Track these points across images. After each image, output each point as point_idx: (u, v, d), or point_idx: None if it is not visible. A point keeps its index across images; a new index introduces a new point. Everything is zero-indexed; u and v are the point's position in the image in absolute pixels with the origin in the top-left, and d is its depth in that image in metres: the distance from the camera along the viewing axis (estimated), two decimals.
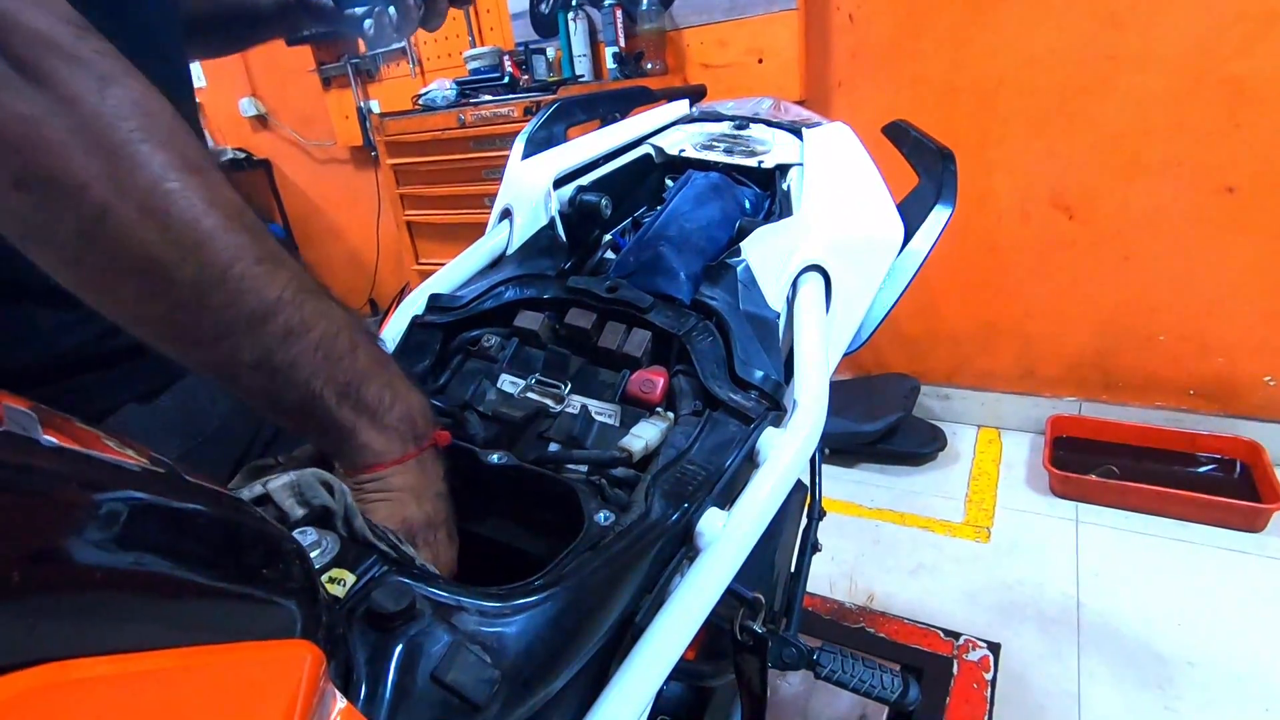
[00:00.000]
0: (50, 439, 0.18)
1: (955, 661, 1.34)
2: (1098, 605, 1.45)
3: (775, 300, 0.58)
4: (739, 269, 0.58)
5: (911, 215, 0.68)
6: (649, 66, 1.96)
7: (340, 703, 0.24)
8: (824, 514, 0.99)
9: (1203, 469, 1.76)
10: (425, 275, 0.65)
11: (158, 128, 0.32)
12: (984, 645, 1.37)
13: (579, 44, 2.00)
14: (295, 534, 0.33)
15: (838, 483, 1.93)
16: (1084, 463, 1.78)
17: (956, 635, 1.40)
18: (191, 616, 0.20)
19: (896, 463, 1.98)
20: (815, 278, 0.59)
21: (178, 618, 0.19)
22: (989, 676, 1.31)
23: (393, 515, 0.39)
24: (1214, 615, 1.39)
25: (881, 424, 1.91)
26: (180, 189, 0.32)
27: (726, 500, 0.46)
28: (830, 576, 1.60)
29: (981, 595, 1.52)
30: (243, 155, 3.07)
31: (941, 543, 1.69)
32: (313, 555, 0.32)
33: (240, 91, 3.00)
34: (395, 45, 2.48)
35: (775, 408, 0.50)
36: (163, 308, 0.34)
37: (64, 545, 0.17)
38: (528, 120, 0.83)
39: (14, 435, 0.17)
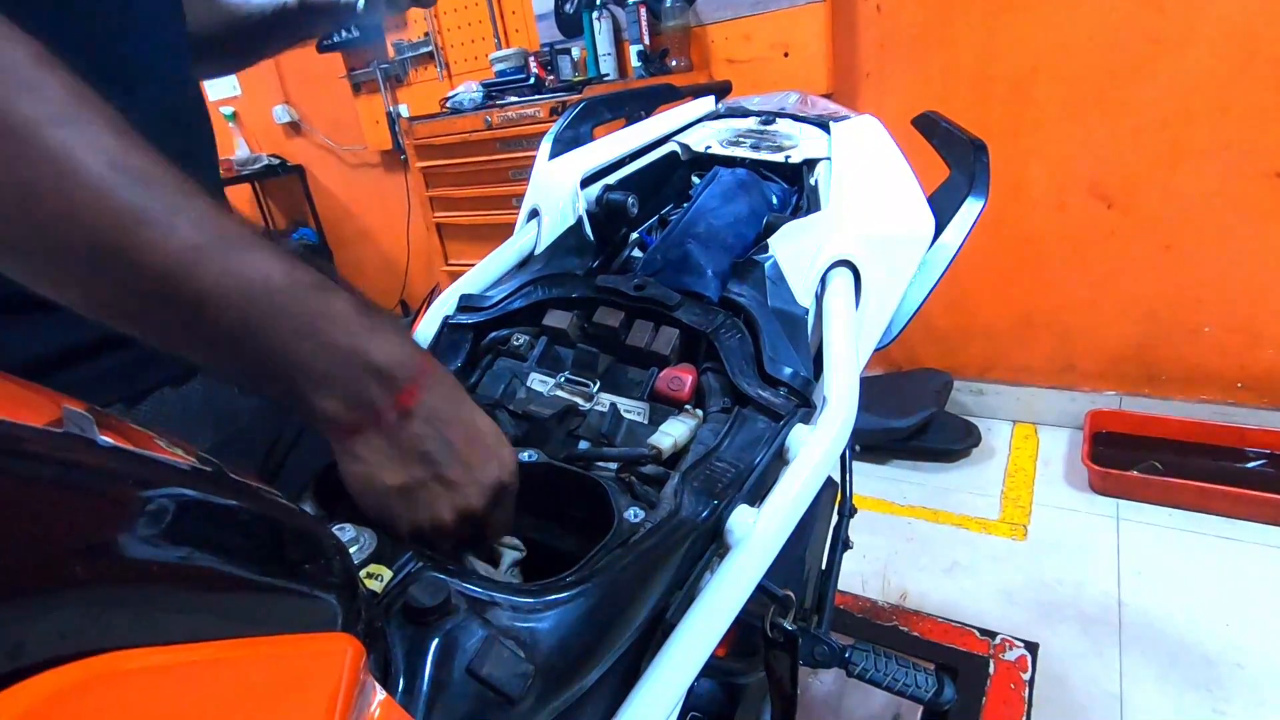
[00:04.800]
0: (106, 439, 0.18)
1: (991, 661, 1.32)
2: (1140, 605, 1.41)
3: (804, 296, 0.57)
4: (767, 265, 0.58)
5: (943, 208, 0.67)
6: (674, 64, 1.95)
7: (380, 694, 0.25)
8: (855, 511, 0.98)
9: (1251, 464, 1.70)
10: (455, 276, 0.66)
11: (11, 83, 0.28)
12: (1021, 645, 1.35)
13: (604, 43, 2.00)
14: (334, 530, 0.34)
15: (869, 479, 1.91)
16: (1125, 459, 1.73)
17: (993, 634, 1.38)
18: (238, 609, 0.20)
19: (929, 459, 1.95)
20: (844, 273, 0.58)
21: (225, 610, 0.20)
22: (1027, 676, 1.28)
23: (364, 482, 0.37)
24: (1265, 616, 1.34)
25: (913, 420, 1.88)
26: (47, 148, 0.28)
27: (756, 497, 0.46)
28: (863, 574, 1.59)
29: (1018, 594, 1.49)
30: (277, 161, 3.14)
31: (976, 540, 1.66)
32: (350, 551, 0.33)
33: (274, 99, 3.07)
34: (391, 28, 2.47)
35: (805, 404, 0.50)
36: (76, 286, 0.31)
37: (122, 540, 0.17)
38: (554, 120, 0.83)
39: (73, 436, 0.17)
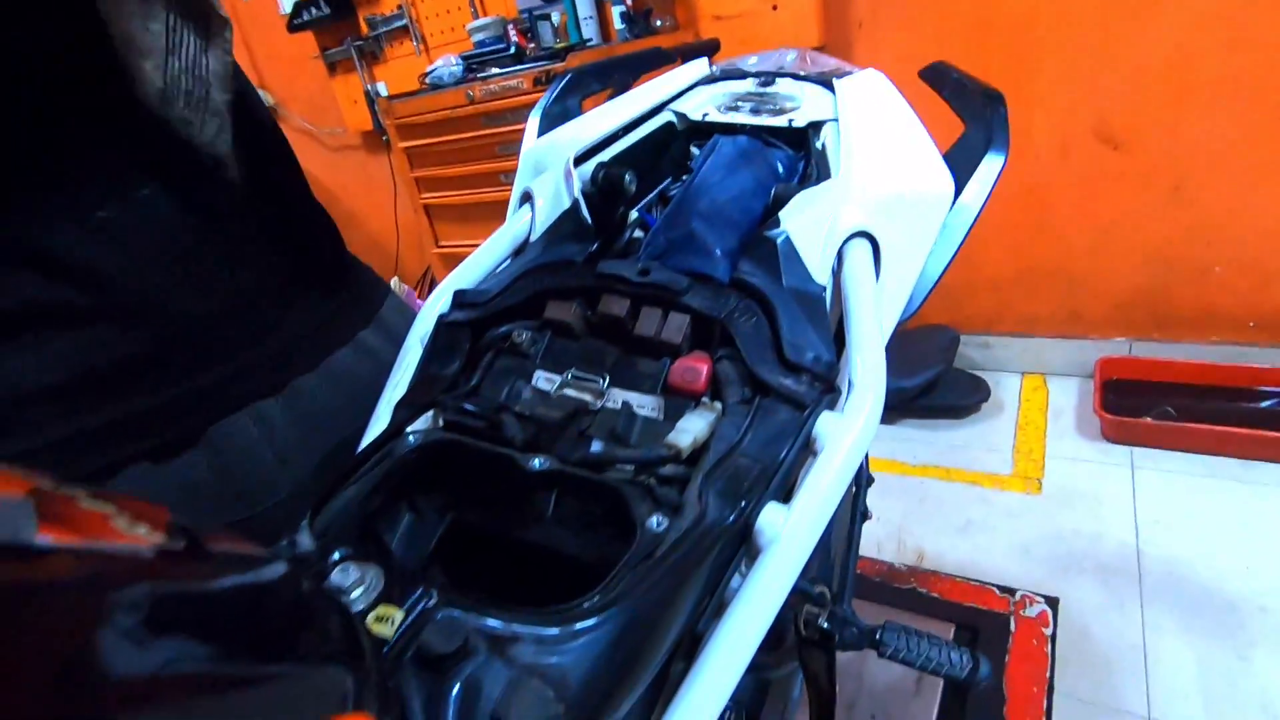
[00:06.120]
0: (46, 538, 0.15)
1: (1012, 618, 1.31)
2: (1159, 553, 1.40)
3: (820, 272, 0.54)
4: (779, 241, 0.54)
5: (960, 166, 0.63)
6: (658, 24, 1.88)
7: None
8: (872, 480, 0.96)
9: (1266, 404, 1.68)
10: (446, 258, 0.62)
11: None
12: (1041, 600, 1.34)
13: (584, 5, 1.92)
14: (336, 572, 0.31)
15: (879, 441, 1.89)
16: (1137, 405, 1.72)
17: (1012, 591, 1.37)
18: (230, 714, 0.18)
19: (939, 417, 1.93)
20: (862, 245, 0.54)
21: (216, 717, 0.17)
22: (1049, 632, 1.28)
23: None
24: None
25: (921, 378, 1.86)
26: None
27: (786, 493, 0.43)
28: (878, 537, 1.58)
29: (1036, 548, 1.48)
30: None
31: (990, 496, 1.65)
32: (356, 594, 0.31)
33: None
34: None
35: (829, 390, 0.47)
36: None
37: (78, 659, 0.14)
38: (538, 91, 0.79)
39: (3, 548, 0.14)
